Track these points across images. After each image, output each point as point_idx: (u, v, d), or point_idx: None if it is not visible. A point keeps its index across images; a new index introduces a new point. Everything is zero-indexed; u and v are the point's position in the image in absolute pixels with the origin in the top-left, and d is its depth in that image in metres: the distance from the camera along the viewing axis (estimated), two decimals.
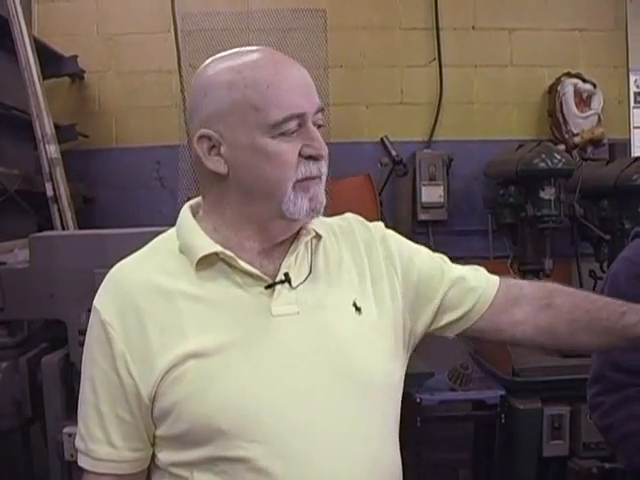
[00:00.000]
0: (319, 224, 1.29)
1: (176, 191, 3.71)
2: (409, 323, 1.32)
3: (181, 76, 3.75)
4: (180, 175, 3.61)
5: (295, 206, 1.19)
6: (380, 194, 3.76)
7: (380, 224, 1.40)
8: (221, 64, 1.20)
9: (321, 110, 1.21)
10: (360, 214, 1.41)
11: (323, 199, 1.21)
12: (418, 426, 2.93)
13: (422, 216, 3.88)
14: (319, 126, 1.21)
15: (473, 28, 4.13)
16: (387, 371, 1.26)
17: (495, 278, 1.39)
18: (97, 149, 4.00)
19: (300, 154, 1.18)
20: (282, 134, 1.16)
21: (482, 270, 1.42)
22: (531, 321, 1.35)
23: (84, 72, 3.96)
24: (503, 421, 2.99)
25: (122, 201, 3.97)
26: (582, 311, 1.34)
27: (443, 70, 4.07)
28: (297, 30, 3.72)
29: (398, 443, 1.29)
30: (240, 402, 1.14)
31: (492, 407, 2.99)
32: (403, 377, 1.31)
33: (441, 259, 1.40)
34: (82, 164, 3.86)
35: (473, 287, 1.35)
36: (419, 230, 3.79)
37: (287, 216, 1.19)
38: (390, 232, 1.39)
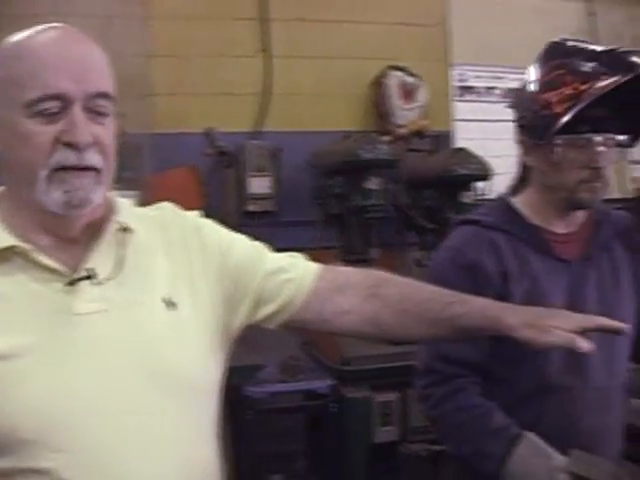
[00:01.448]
0: (130, 215, 1.24)
1: None
2: (227, 315, 1.29)
3: None
4: None
5: (48, 197, 1.11)
6: (206, 186, 3.74)
7: (196, 213, 1.36)
8: (12, 39, 1.15)
9: (104, 96, 1.14)
10: (184, 206, 1.37)
11: (91, 195, 1.13)
12: (250, 419, 2.95)
13: (250, 207, 3.88)
14: (100, 113, 1.13)
15: (302, 19, 4.18)
16: (203, 368, 1.23)
17: (315, 266, 1.38)
18: None
19: (58, 140, 1.10)
20: (40, 114, 1.09)
21: (301, 259, 1.40)
22: (357, 311, 1.34)
23: None
24: (334, 410, 3.07)
25: None
26: (410, 302, 1.34)
27: (271, 61, 4.10)
28: (118, 17, 3.64)
29: (215, 442, 1.26)
30: (41, 409, 1.08)
31: (322, 397, 3.06)
32: (222, 372, 1.29)
33: (260, 249, 1.38)
34: None
35: (291, 278, 1.34)
36: (247, 221, 3.79)
37: (44, 208, 1.12)
38: (206, 221, 1.36)
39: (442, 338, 1.44)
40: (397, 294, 1.35)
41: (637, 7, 4.90)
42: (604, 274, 1.77)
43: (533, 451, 1.56)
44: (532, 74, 1.73)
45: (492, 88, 4.62)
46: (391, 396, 3.15)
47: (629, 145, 1.71)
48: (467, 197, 3.64)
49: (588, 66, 1.62)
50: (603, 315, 1.67)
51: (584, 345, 1.23)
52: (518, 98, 1.77)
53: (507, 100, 1.86)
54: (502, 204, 1.81)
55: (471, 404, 1.66)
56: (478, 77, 4.58)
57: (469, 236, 1.75)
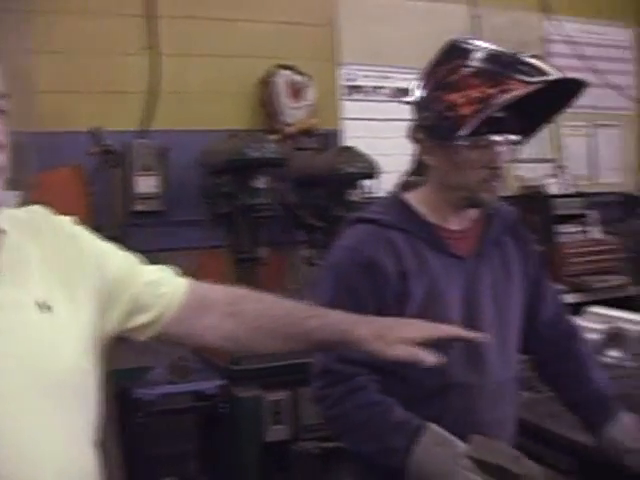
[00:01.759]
0: (5, 217, 1.22)
1: None
2: (100, 321, 1.29)
3: None
4: None
5: None
6: (92, 185, 3.67)
7: (70, 219, 1.35)
8: None
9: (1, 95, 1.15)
10: (67, 206, 1.36)
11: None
12: (140, 421, 2.92)
13: (137, 207, 3.82)
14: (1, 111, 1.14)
15: (191, 17, 4.14)
16: (80, 371, 1.22)
17: (185, 281, 1.41)
18: None
19: None
20: None
21: (172, 273, 1.42)
22: (217, 327, 1.38)
23: None
24: (225, 410, 3.07)
25: None
26: (265, 318, 1.39)
27: (159, 59, 4.05)
28: (1, 12, 3.53)
29: (94, 446, 1.25)
30: None
31: (212, 397, 3.06)
32: (99, 376, 1.28)
33: (134, 261, 1.39)
34: None
35: (164, 292, 1.36)
36: (134, 221, 3.74)
37: None
38: (81, 229, 1.35)
39: (301, 350, 1.46)
40: (253, 311, 1.40)
41: (520, 11, 5.08)
42: (496, 269, 1.81)
43: (436, 440, 1.59)
44: (432, 74, 1.73)
45: (380, 87, 4.69)
46: (282, 395, 3.17)
47: (521, 144, 1.76)
48: (354, 195, 3.69)
49: (494, 69, 1.63)
50: (497, 310, 1.78)
51: (428, 358, 1.27)
52: (419, 98, 1.75)
53: (402, 100, 1.85)
54: (396, 202, 1.80)
55: (371, 401, 1.67)
56: (366, 76, 4.64)
57: (366, 235, 1.74)
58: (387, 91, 4.69)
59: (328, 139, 4.11)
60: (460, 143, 1.64)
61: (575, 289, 4.13)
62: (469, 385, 1.73)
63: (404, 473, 1.60)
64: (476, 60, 1.66)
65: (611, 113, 5.52)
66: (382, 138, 4.60)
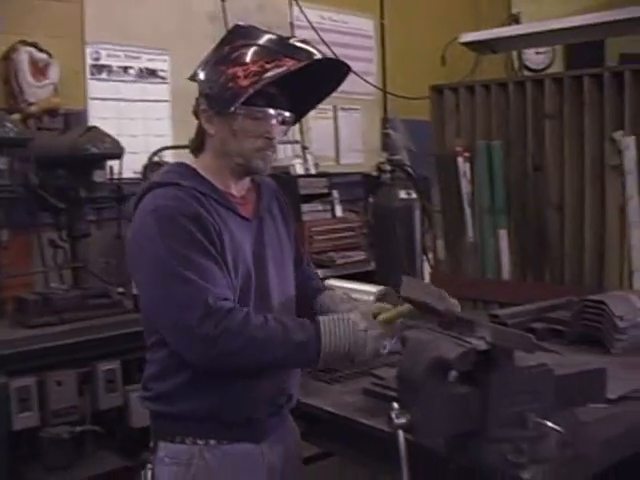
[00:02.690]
0: None
1: None
2: None
3: None
4: None
5: None
6: None
7: None
8: None
9: None
10: None
11: None
12: None
13: None
14: None
15: None
16: None
17: None
18: None
19: None
20: None
21: None
22: None
23: None
24: None
25: None
26: None
27: None
28: None
29: None
30: None
31: None
32: None
33: None
34: None
35: None
36: None
37: None
38: None
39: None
40: None
41: None
42: (271, 233, 2.01)
43: (336, 322, 1.80)
44: (217, 50, 1.92)
45: (127, 68, 4.66)
46: (28, 381, 3.11)
47: (293, 122, 1.96)
48: (100, 176, 3.66)
49: (272, 48, 1.86)
50: (277, 265, 1.99)
51: None
52: (204, 72, 1.91)
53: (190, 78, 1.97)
54: (186, 169, 1.92)
55: (263, 319, 1.76)
56: (113, 56, 4.59)
57: (177, 194, 1.81)
58: (134, 71, 4.67)
59: (72, 119, 3.99)
60: (238, 112, 1.83)
61: (320, 265, 4.35)
62: None
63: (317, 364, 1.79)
64: (258, 40, 1.88)
65: (354, 98, 5.85)
66: (129, 119, 4.59)
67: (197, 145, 1.96)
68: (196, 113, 1.93)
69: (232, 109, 1.81)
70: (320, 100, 2.04)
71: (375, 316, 1.84)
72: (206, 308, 1.70)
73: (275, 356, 1.75)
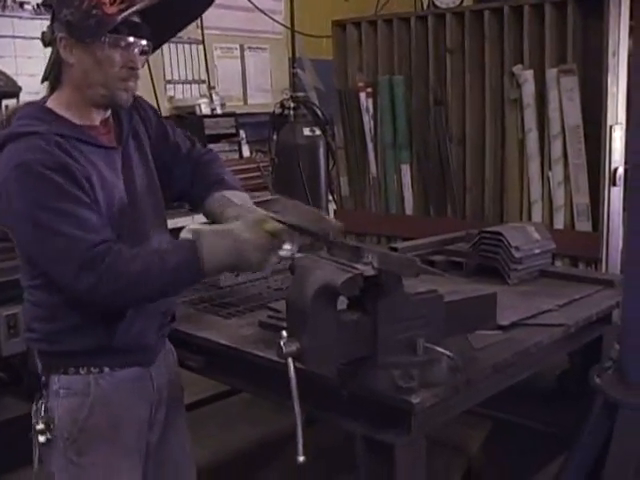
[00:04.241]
0: None
1: None
2: None
3: None
4: None
5: None
6: None
7: None
8: None
9: None
10: None
11: None
12: None
13: None
14: None
15: None
16: None
17: None
18: None
19: None
20: None
21: None
22: None
23: None
24: None
25: None
26: None
27: None
28: None
29: None
30: None
31: None
32: None
33: None
34: None
35: None
36: None
37: None
38: None
39: None
40: None
41: None
42: (138, 158, 1.93)
43: (215, 235, 1.74)
44: None
45: (24, 3, 4.46)
46: None
47: (151, 52, 1.86)
48: None
49: None
50: (149, 193, 1.93)
51: None
52: None
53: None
54: (42, 111, 1.81)
55: (138, 250, 1.72)
56: None
57: (37, 145, 1.71)
58: (31, 8, 4.48)
59: None
60: (103, 40, 1.73)
61: None
62: None
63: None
64: None
65: (262, 37, 5.74)
66: (26, 57, 4.41)
67: (53, 78, 1.84)
68: (48, 42, 1.81)
69: (103, 39, 1.72)
70: (177, 31, 1.97)
71: (261, 225, 1.77)
72: (82, 260, 1.66)
73: (158, 285, 1.73)
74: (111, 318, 1.81)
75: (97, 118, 1.86)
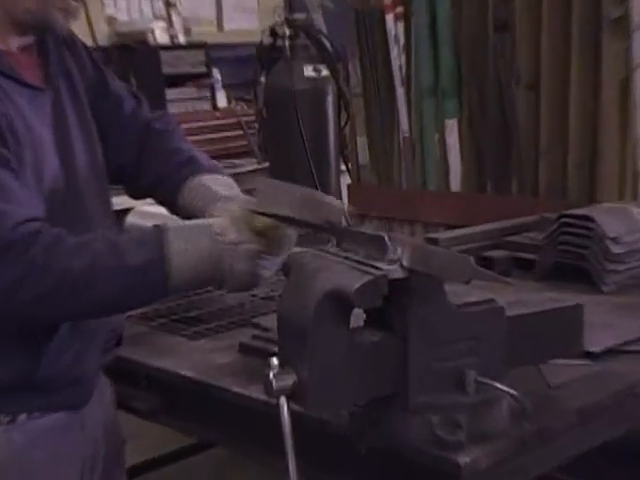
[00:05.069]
0: None
1: None
2: None
3: None
4: None
5: None
6: None
7: None
8: None
9: None
10: None
11: None
12: None
13: None
14: None
15: None
16: None
17: None
18: None
19: None
20: None
21: None
22: None
23: None
24: None
25: None
26: None
27: None
28: None
29: None
30: None
31: None
32: None
33: None
34: None
35: None
36: None
37: None
38: None
39: None
40: None
41: None
42: (73, 108, 1.98)
43: (189, 231, 1.80)
44: None
45: None
46: None
47: None
48: None
49: None
50: (89, 152, 1.99)
51: None
52: None
53: None
54: None
55: (83, 240, 1.73)
56: None
57: None
58: None
59: None
60: None
61: None
62: None
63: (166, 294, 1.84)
64: None
65: None
66: None
67: None
68: None
69: None
70: None
71: (251, 222, 1.81)
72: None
73: (104, 292, 1.73)
74: (35, 338, 1.81)
75: (13, 43, 1.90)
